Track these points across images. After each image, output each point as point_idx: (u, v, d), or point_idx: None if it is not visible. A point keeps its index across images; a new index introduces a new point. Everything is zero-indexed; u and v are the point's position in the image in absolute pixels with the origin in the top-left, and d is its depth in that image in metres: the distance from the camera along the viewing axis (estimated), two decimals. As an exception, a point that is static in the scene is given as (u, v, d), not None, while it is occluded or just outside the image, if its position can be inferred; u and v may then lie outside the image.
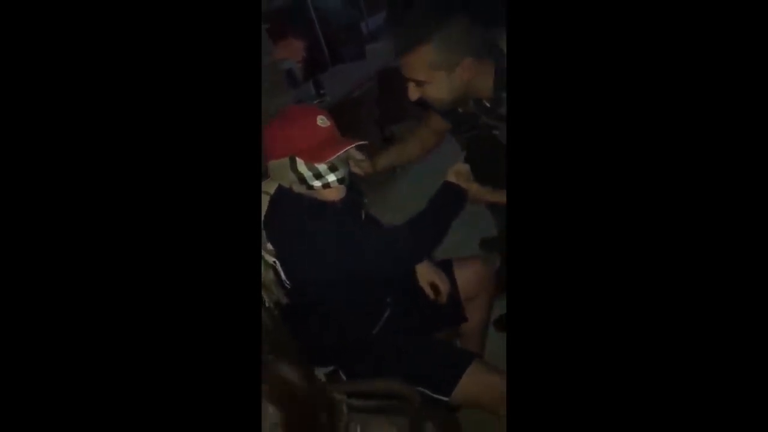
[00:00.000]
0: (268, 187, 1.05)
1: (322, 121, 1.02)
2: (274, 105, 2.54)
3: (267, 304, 1.11)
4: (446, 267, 1.36)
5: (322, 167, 1.02)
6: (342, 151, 1.01)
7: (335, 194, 1.07)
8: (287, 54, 3.72)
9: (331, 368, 1.20)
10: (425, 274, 1.32)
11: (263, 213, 1.04)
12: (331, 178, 1.03)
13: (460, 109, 1.24)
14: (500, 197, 1.24)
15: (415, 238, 1.09)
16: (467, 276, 1.37)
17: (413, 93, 1.12)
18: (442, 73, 1.06)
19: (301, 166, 1.01)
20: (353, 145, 1.03)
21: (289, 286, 1.06)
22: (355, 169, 1.34)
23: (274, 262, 1.04)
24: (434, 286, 1.31)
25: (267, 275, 1.06)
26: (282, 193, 1.04)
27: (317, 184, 1.03)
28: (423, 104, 1.20)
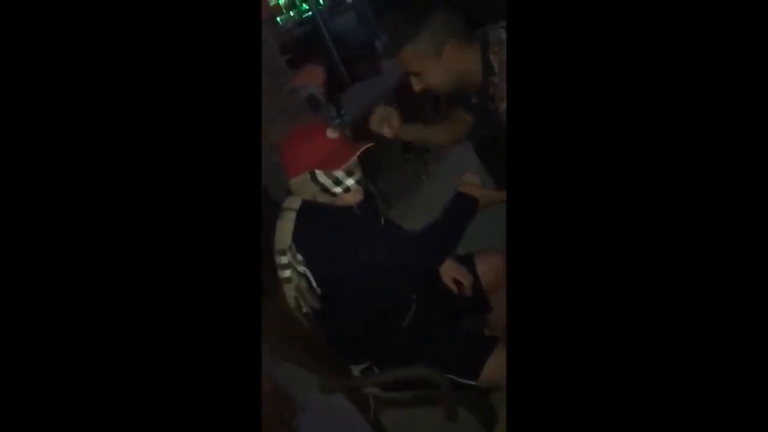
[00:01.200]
0: (293, 204, 1.17)
1: (331, 132, 1.14)
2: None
3: (304, 311, 1.21)
4: (468, 261, 1.44)
5: (339, 174, 1.13)
6: (355, 155, 1.12)
7: (355, 197, 1.17)
8: (308, 80, 3.89)
9: (365, 364, 1.29)
10: (448, 270, 1.40)
11: (291, 229, 1.15)
12: (350, 181, 1.14)
13: (473, 99, 1.33)
14: None
15: (431, 245, 1.20)
16: (489, 268, 1.44)
17: (416, 84, 1.24)
18: (432, 59, 1.18)
19: (321, 176, 1.13)
20: (363, 148, 1.13)
21: (320, 292, 1.16)
22: (386, 132, 1.36)
23: (305, 270, 1.15)
24: (457, 282, 1.38)
25: (300, 284, 1.17)
26: (306, 206, 1.16)
27: (338, 190, 1.14)
28: (436, 107, 1.29)
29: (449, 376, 1.19)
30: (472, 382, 1.19)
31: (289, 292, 1.16)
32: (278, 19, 4.42)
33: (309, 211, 1.15)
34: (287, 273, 1.14)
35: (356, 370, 1.30)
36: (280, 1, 4.55)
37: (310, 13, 4.33)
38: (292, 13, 4.56)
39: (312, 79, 3.84)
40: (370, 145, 1.14)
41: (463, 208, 1.24)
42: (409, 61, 1.20)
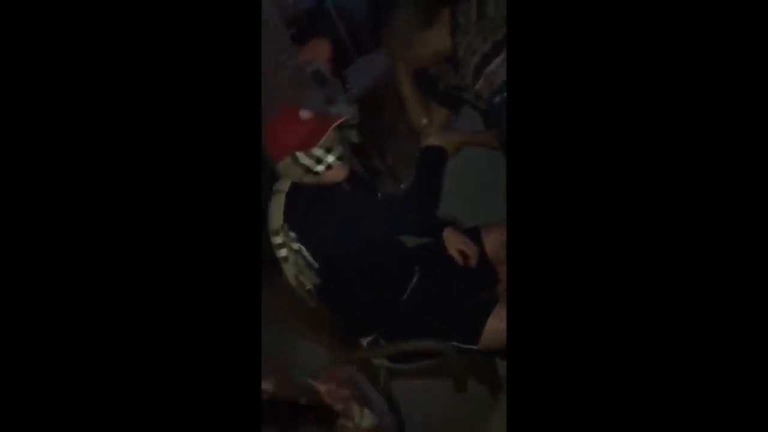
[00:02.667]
0: (282, 186, 1.19)
1: (305, 113, 1.14)
2: (306, 106, 2.65)
3: (306, 287, 1.23)
4: (474, 233, 1.44)
5: (318, 152, 1.14)
6: (330, 130, 1.13)
7: (339, 174, 1.19)
8: (314, 55, 3.85)
9: (371, 337, 1.31)
10: (453, 241, 1.40)
11: (282, 209, 1.17)
12: (330, 158, 1.15)
13: (441, 84, 1.32)
14: (481, 138, 1.34)
15: (414, 203, 1.23)
16: (495, 240, 1.44)
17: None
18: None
19: (302, 158, 1.15)
20: (338, 122, 1.14)
21: (317, 267, 1.18)
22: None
23: (299, 248, 1.17)
24: (462, 253, 1.39)
25: (298, 261, 1.19)
26: (295, 187, 1.18)
27: (321, 168, 1.15)
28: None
29: (452, 343, 1.21)
30: (475, 347, 1.21)
31: (289, 270, 1.18)
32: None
33: (298, 191, 1.18)
34: (283, 252, 1.17)
35: (364, 342, 1.33)
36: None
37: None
38: (295, -12, 4.48)
39: (317, 53, 3.80)
40: (342, 119, 1.15)
41: (431, 160, 1.27)
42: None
